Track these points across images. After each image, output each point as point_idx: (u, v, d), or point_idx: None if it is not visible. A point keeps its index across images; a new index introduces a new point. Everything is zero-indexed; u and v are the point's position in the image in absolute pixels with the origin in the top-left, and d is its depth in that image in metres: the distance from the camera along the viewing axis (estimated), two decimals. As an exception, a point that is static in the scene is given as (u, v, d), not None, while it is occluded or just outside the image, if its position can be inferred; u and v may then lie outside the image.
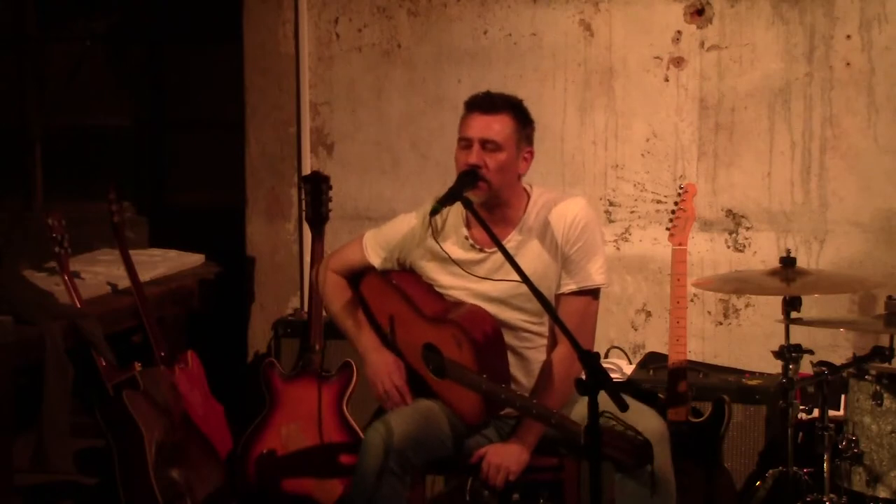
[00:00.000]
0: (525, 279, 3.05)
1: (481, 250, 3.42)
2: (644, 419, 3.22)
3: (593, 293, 3.43)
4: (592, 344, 3.44)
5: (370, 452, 3.25)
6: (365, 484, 3.24)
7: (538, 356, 3.43)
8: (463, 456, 3.41)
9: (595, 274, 3.40)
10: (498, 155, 3.33)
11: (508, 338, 3.40)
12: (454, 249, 3.43)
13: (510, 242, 3.37)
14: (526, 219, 3.42)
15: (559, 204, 3.42)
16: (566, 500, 3.43)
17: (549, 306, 3.07)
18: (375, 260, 3.56)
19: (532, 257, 3.38)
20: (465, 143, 3.36)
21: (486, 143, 3.33)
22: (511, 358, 3.41)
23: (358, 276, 3.61)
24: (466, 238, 3.43)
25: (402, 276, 3.53)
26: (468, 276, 3.40)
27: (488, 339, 3.32)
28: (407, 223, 3.54)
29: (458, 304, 3.42)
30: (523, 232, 3.41)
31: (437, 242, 3.42)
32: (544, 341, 3.44)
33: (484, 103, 3.38)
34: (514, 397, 3.28)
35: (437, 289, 3.47)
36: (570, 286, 3.39)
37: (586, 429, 2.70)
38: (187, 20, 5.45)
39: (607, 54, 4.60)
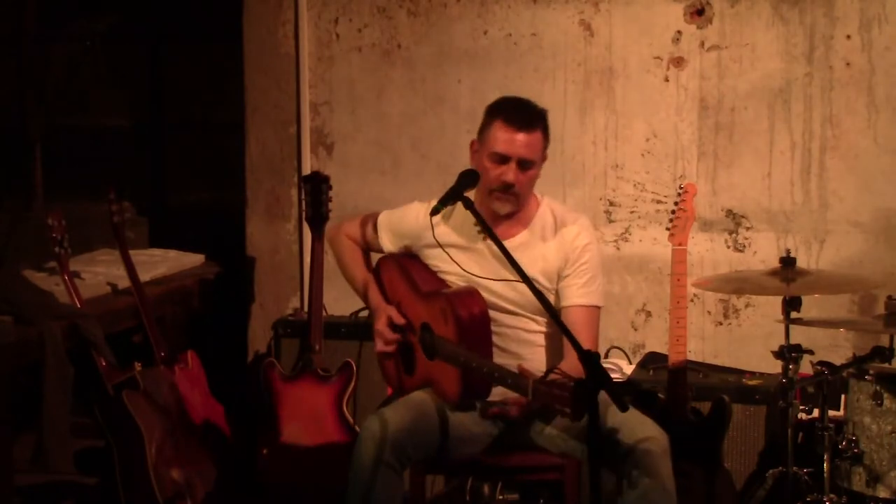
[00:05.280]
0: (524, 278, 3.04)
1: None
2: (646, 430, 3.22)
3: (597, 309, 3.48)
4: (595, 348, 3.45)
5: (365, 445, 3.26)
6: (361, 476, 3.25)
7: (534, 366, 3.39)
8: (451, 443, 3.40)
9: (596, 292, 3.45)
10: (530, 171, 3.37)
11: (504, 342, 3.41)
12: (463, 241, 3.46)
13: (519, 240, 3.43)
14: (536, 221, 3.46)
15: (567, 220, 3.46)
16: (566, 500, 3.43)
17: (546, 303, 3.05)
18: (387, 245, 3.64)
19: (537, 257, 3.41)
20: (499, 159, 3.34)
21: (522, 162, 3.33)
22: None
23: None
24: (479, 232, 3.44)
25: (408, 258, 3.60)
26: (469, 273, 3.42)
27: (473, 318, 3.32)
28: (415, 215, 3.58)
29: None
30: (533, 233, 3.45)
31: (440, 246, 3.44)
32: (542, 350, 3.47)
33: (521, 119, 3.34)
34: (487, 365, 3.24)
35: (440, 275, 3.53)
36: (573, 300, 3.42)
37: (587, 429, 2.70)
38: (187, 20, 5.45)
39: (607, 54, 4.60)
